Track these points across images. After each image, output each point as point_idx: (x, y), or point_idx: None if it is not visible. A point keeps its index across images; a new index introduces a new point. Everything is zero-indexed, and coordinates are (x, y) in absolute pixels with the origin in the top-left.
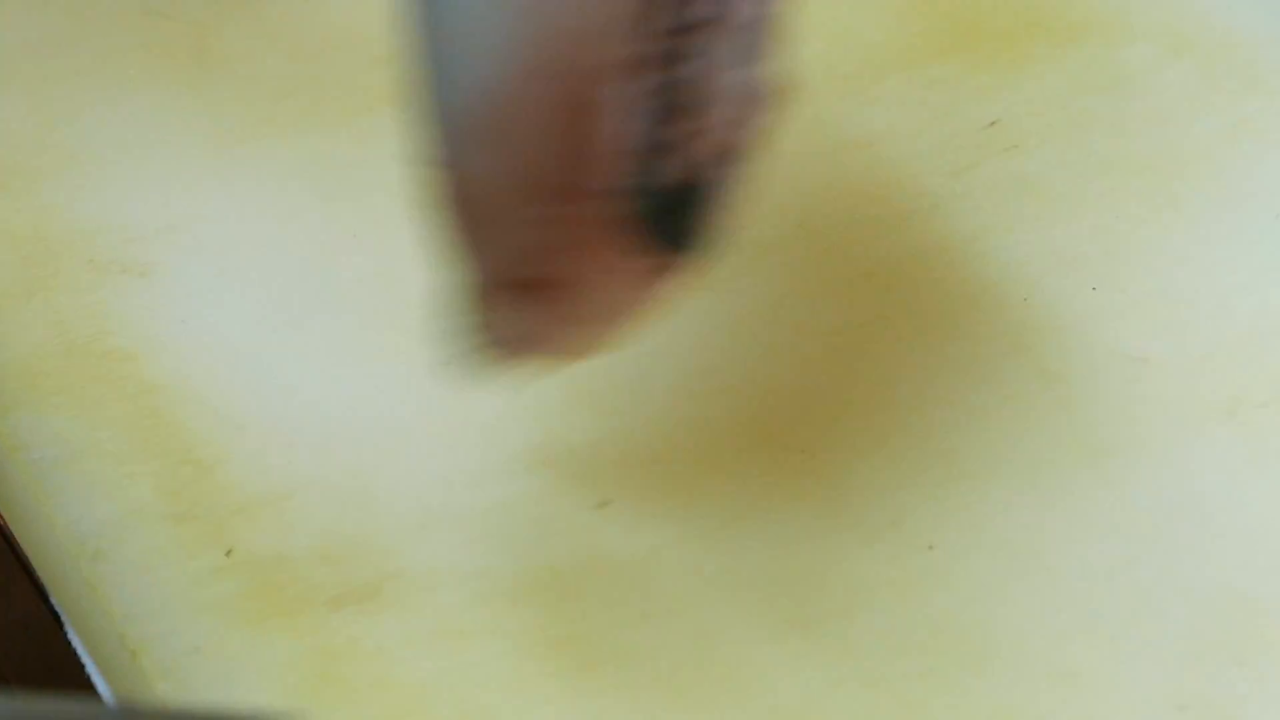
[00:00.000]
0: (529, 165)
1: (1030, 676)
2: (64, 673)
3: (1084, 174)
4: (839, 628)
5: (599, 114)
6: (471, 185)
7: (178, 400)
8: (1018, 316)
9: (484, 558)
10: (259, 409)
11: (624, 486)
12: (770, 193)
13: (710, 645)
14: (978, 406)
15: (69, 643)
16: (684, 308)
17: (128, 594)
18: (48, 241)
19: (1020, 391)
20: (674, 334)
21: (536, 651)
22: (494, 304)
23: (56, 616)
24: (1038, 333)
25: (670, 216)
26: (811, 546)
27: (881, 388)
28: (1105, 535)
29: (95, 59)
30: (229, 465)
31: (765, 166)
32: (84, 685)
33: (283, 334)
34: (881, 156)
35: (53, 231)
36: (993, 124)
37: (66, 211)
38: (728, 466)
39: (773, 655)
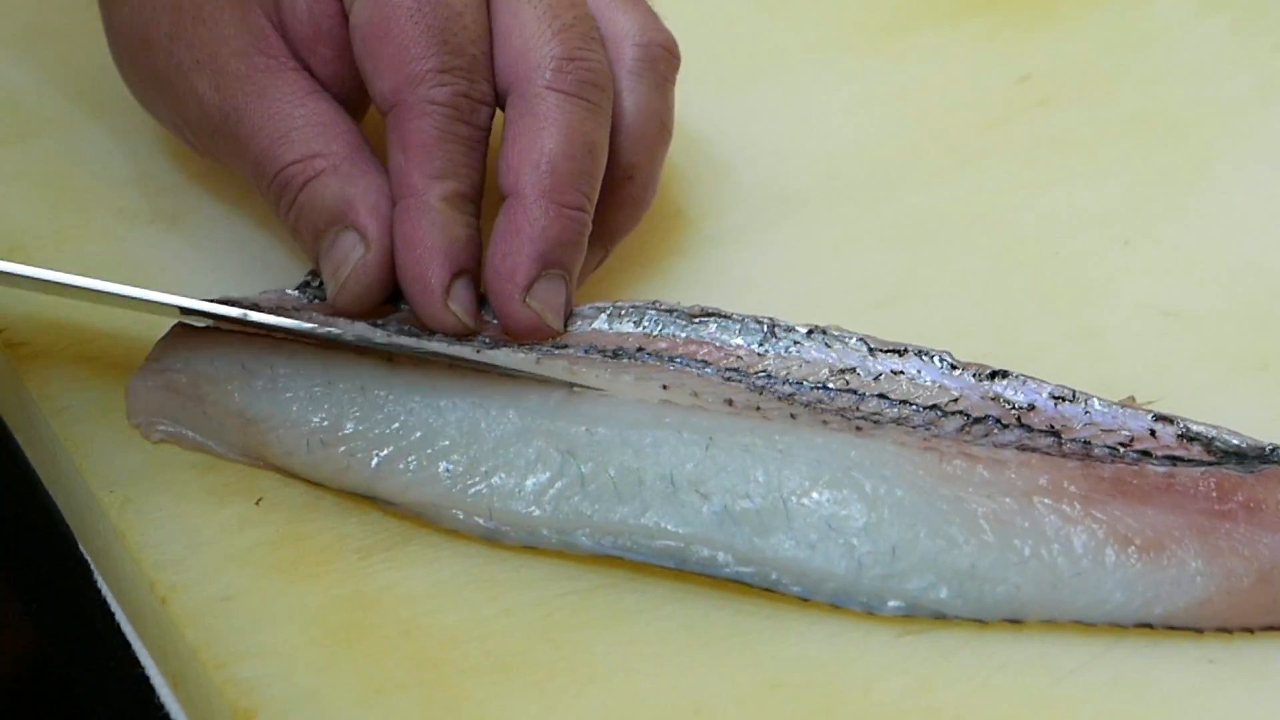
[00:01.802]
0: None
1: None
2: (92, 619)
3: (1115, 130)
4: None
5: None
6: None
7: None
8: (1049, 272)
9: None
10: None
11: None
12: (804, 144)
13: (738, 595)
14: (1009, 361)
15: (98, 590)
16: (713, 262)
17: (157, 542)
18: (77, 191)
19: (1052, 346)
20: (703, 288)
21: (567, 601)
22: None
23: (85, 564)
24: (1069, 288)
25: None
26: None
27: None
28: None
29: None
30: None
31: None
32: (113, 632)
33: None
34: (913, 111)
35: (82, 181)
36: (1023, 79)
37: (96, 161)
38: None
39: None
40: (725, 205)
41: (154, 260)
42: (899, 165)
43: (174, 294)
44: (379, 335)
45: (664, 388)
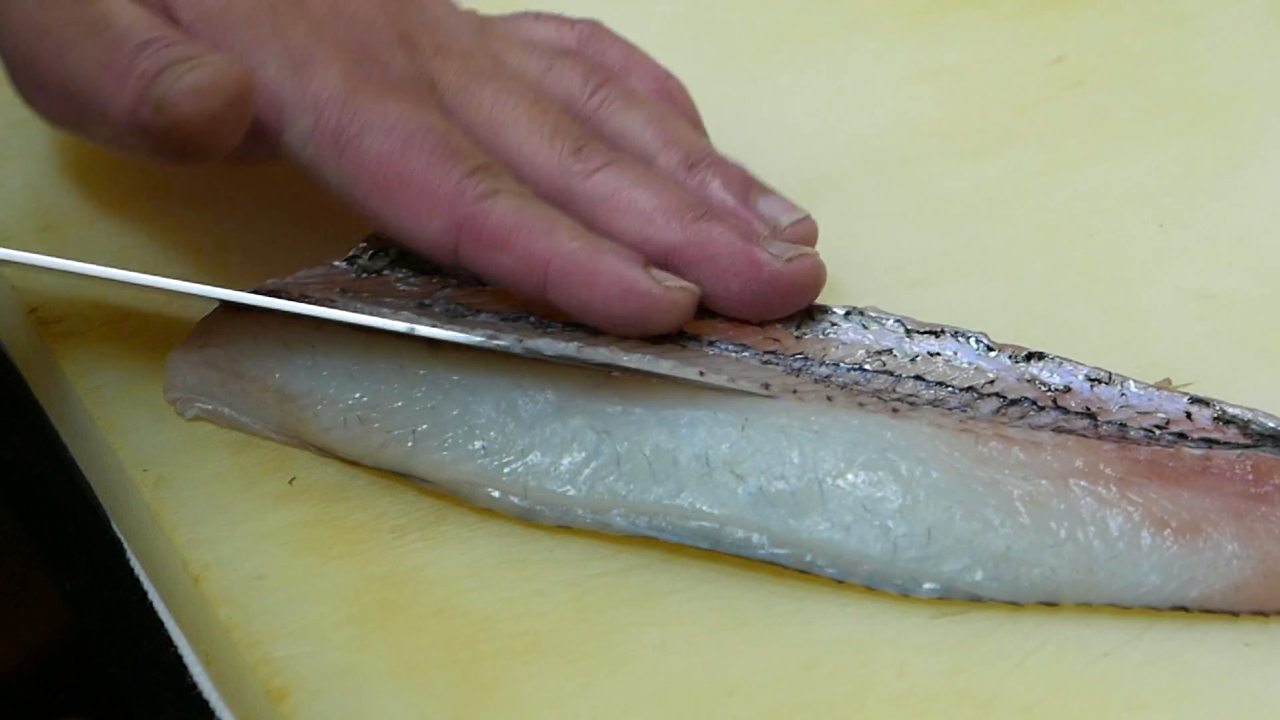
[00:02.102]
0: None
1: None
2: (125, 599)
3: (1150, 110)
4: None
5: None
6: None
7: None
8: (1084, 253)
9: None
10: None
11: None
12: (839, 123)
13: (772, 576)
14: (1044, 343)
15: (130, 569)
16: None
17: (190, 521)
18: (110, 169)
19: (1087, 328)
20: None
21: (600, 581)
22: None
23: (119, 543)
24: (1105, 269)
25: None
26: None
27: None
28: None
29: None
30: None
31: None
32: (145, 610)
33: None
34: (948, 91)
35: (115, 159)
36: (1058, 60)
37: None
38: None
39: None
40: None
41: (190, 241)
42: (934, 146)
43: (211, 277)
44: (424, 323)
45: (701, 374)
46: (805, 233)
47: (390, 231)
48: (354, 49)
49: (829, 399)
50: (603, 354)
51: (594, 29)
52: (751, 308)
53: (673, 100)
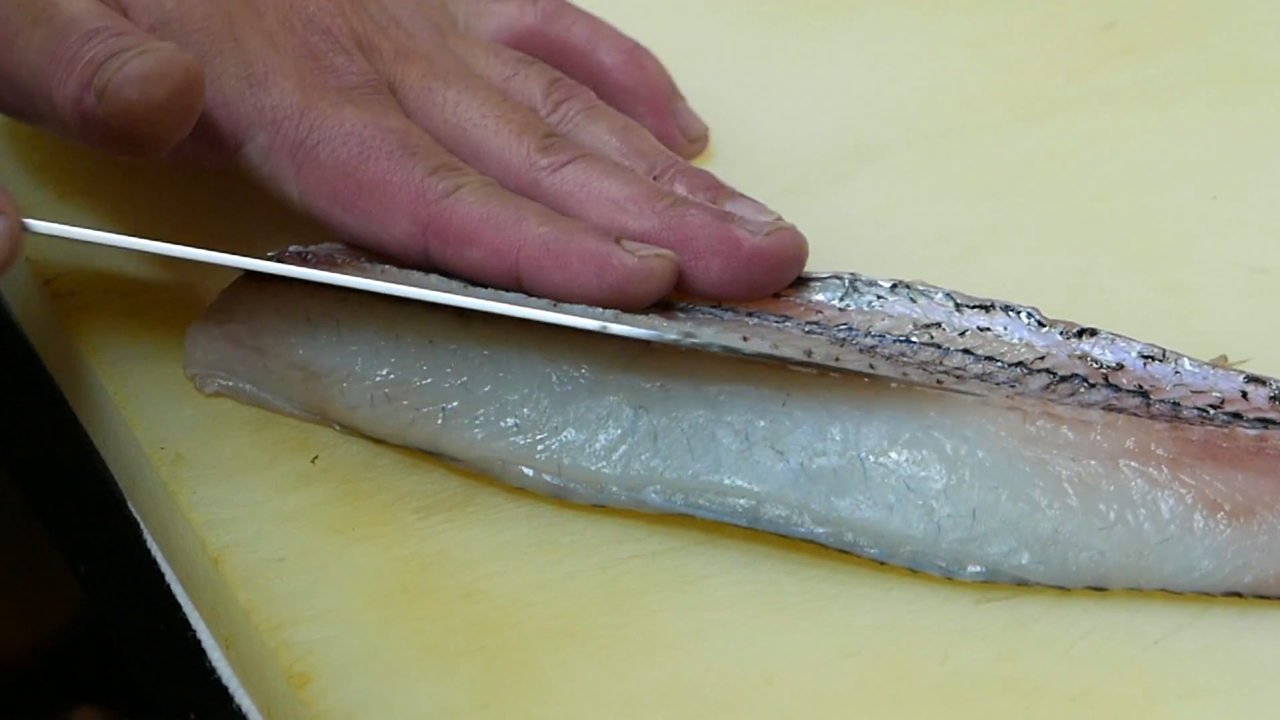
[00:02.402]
0: None
1: None
2: (142, 581)
3: (1204, 79)
4: None
5: None
6: None
7: None
8: (1136, 225)
9: None
10: None
11: None
12: (879, 92)
13: (811, 559)
14: (1092, 319)
15: (148, 550)
16: (785, 217)
17: (209, 501)
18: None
19: (1138, 304)
20: None
21: (633, 564)
22: None
23: (135, 523)
24: (1156, 243)
25: None
26: None
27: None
28: None
29: None
30: None
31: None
32: (163, 593)
33: None
34: (994, 58)
35: None
36: (1110, 26)
37: None
38: None
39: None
40: (798, 156)
41: (204, 208)
42: (980, 114)
43: (227, 245)
44: (471, 296)
45: (744, 339)
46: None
47: (357, 240)
48: (310, 57)
49: (872, 367)
50: (641, 323)
51: (556, 5)
52: (734, 287)
53: (644, 70)
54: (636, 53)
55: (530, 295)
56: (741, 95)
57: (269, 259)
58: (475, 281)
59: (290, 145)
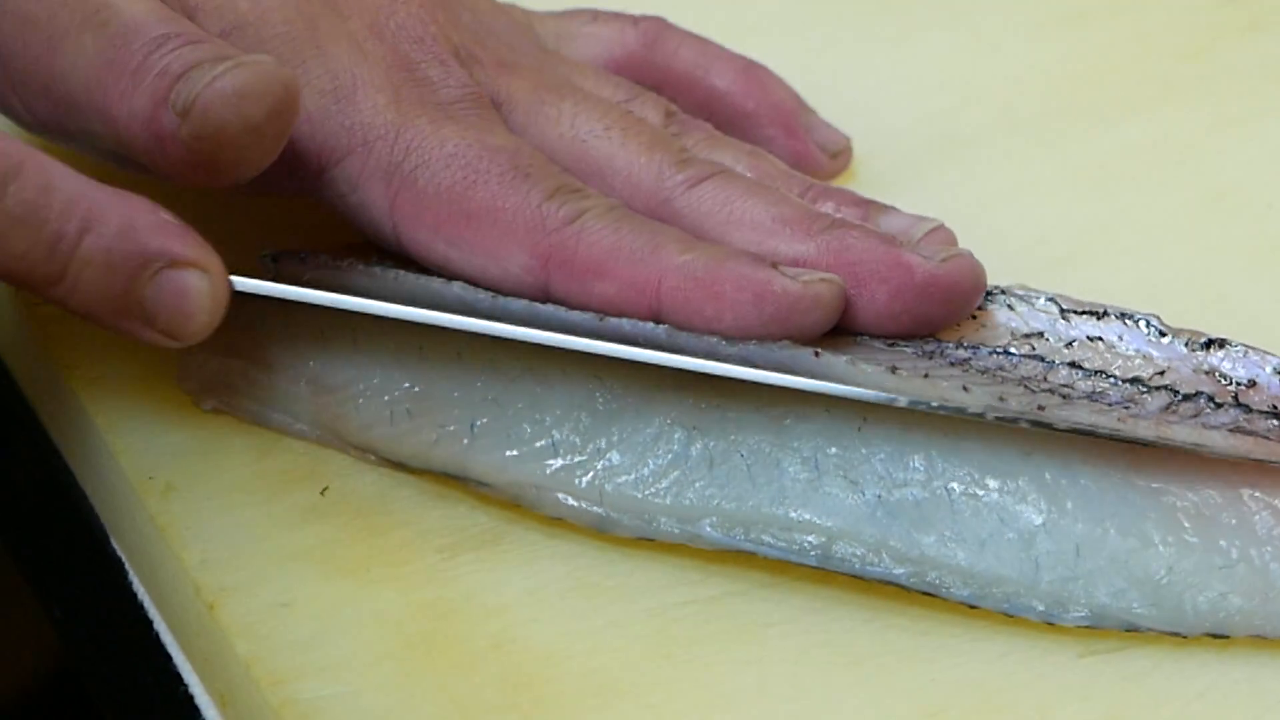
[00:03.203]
0: None
1: None
2: (126, 627)
3: None
4: None
5: None
6: None
7: None
8: (1260, 226)
9: None
10: None
11: None
12: (971, 74)
13: (889, 606)
14: (1213, 330)
15: (133, 593)
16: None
17: (203, 537)
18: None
19: (1266, 312)
20: None
21: (687, 611)
22: None
23: (119, 563)
24: None
25: None
26: None
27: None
28: None
29: None
30: None
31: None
32: (150, 642)
33: None
34: (1100, 36)
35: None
36: None
37: None
38: None
39: None
40: (878, 146)
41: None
42: (1084, 99)
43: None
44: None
45: (816, 354)
46: (944, 241)
47: (464, 276)
48: (403, 68)
49: (965, 389)
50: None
51: (660, 28)
52: (902, 319)
53: (765, 89)
54: (753, 70)
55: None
56: (812, 80)
57: (265, 260)
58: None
59: (384, 170)
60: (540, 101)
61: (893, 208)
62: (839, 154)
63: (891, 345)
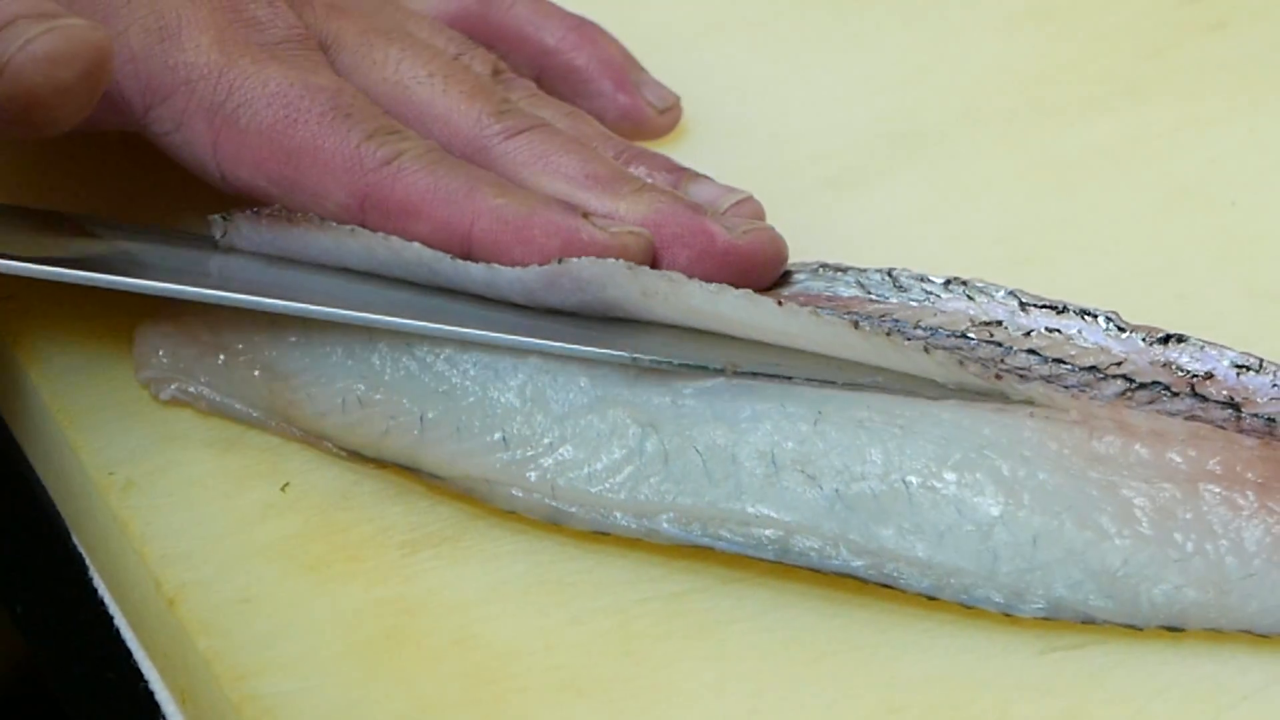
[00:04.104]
0: None
1: None
2: (87, 623)
3: None
4: None
5: None
6: None
7: None
8: (1223, 224)
9: None
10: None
11: None
12: (934, 72)
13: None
14: (1176, 325)
15: (94, 589)
16: (826, 210)
17: (165, 533)
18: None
19: (1228, 312)
20: (815, 240)
21: (648, 608)
22: None
23: (80, 559)
24: (1247, 242)
25: None
26: None
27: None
28: None
29: None
30: None
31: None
32: (110, 638)
33: None
34: (1063, 33)
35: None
36: None
37: None
38: None
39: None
40: (839, 145)
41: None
42: (1047, 97)
43: (153, 210)
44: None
45: (779, 303)
46: (750, 213)
47: None
48: (229, 9)
49: (926, 350)
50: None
51: None
52: None
53: (596, 45)
54: (585, 27)
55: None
56: (774, 75)
57: (217, 220)
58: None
59: (207, 108)
60: (368, 45)
61: (705, 176)
62: (668, 110)
63: (851, 314)
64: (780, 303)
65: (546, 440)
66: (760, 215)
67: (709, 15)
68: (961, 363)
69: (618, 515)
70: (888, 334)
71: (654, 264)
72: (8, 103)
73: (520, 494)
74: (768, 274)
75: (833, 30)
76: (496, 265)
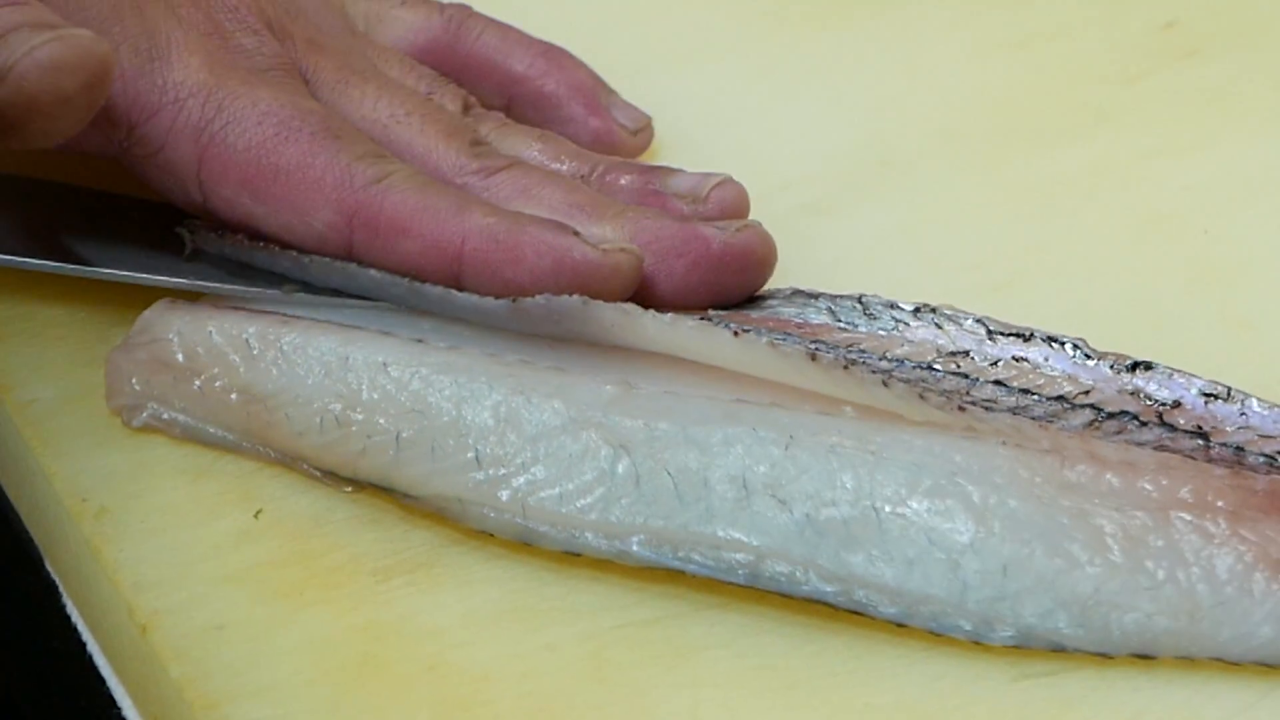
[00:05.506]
0: None
1: None
2: (59, 651)
3: (1274, 84)
4: None
5: None
6: None
7: None
8: (1197, 250)
9: None
10: None
11: None
12: (909, 98)
13: (823, 629)
14: (1151, 356)
15: (66, 615)
16: (800, 236)
17: (137, 560)
18: None
19: (1201, 339)
20: (788, 265)
21: (621, 634)
22: None
23: (53, 585)
24: (1220, 270)
25: None
26: None
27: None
28: None
29: None
30: None
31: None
32: (83, 665)
33: None
34: (1039, 60)
35: None
36: (1169, 26)
37: None
38: None
39: None
40: (815, 169)
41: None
42: (1021, 123)
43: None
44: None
45: (735, 334)
46: (733, 195)
47: (270, 232)
48: (217, 35)
49: (885, 384)
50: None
51: (464, 15)
52: (701, 291)
53: (561, 68)
54: (553, 53)
55: (477, 295)
56: (750, 101)
57: (182, 231)
58: (408, 276)
59: (194, 125)
60: (345, 83)
61: (680, 169)
62: (640, 130)
63: (814, 344)
64: (737, 333)
65: (519, 460)
66: (742, 196)
67: (682, 41)
68: (922, 395)
69: (589, 536)
70: (845, 367)
71: (650, 280)
72: (8, 109)
73: (492, 513)
74: (764, 270)
75: (807, 56)
76: (452, 290)
